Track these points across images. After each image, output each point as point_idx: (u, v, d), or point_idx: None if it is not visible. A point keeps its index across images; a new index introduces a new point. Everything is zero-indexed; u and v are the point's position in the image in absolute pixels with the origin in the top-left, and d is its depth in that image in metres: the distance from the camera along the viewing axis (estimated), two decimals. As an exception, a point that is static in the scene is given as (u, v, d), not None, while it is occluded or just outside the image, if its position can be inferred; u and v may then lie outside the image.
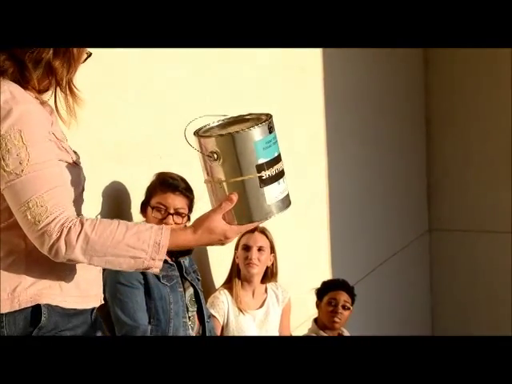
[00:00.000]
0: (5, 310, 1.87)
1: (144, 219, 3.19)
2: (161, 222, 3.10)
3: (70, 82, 1.94)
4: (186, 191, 3.18)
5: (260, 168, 1.89)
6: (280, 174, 1.94)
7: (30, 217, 1.79)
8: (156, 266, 1.87)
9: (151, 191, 3.19)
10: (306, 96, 4.64)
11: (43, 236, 1.79)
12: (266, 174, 1.90)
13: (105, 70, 3.03)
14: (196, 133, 1.94)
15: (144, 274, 3.08)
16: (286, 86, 4.39)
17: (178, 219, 3.14)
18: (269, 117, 1.93)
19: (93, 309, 2.02)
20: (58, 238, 1.79)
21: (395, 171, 5.81)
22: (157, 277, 3.11)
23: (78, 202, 1.98)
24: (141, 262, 1.85)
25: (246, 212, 1.91)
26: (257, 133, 1.89)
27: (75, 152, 2.03)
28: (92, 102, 2.79)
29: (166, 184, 3.15)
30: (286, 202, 1.96)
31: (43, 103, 1.97)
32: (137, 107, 3.31)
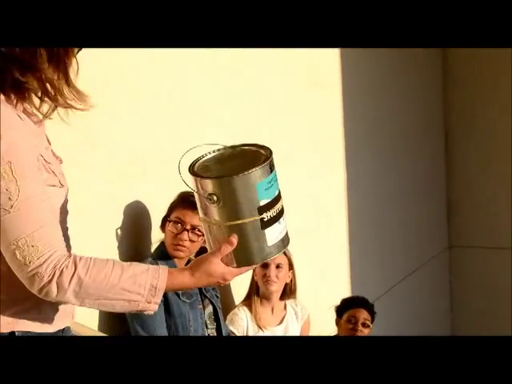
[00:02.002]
0: None
1: (163, 234, 3.21)
2: (176, 236, 3.14)
3: (64, 83, 1.76)
4: None
5: (262, 210, 1.80)
6: (280, 213, 1.85)
7: (19, 257, 1.69)
8: (151, 309, 1.80)
9: (172, 207, 3.23)
10: (323, 111, 4.64)
11: (34, 277, 1.70)
12: (267, 215, 1.81)
13: (116, 84, 3.06)
14: (192, 170, 1.83)
15: (164, 291, 3.08)
16: (301, 88, 4.39)
17: (194, 237, 3.16)
18: (269, 153, 1.82)
19: (63, 328, 1.91)
20: (50, 281, 1.70)
21: (415, 187, 5.79)
22: (177, 294, 3.12)
23: (66, 225, 1.87)
24: (136, 304, 1.78)
25: (246, 255, 1.84)
26: (259, 174, 1.78)
27: (60, 160, 1.90)
28: (103, 117, 2.83)
29: (188, 201, 3.17)
30: (285, 241, 1.88)
31: (29, 115, 1.81)
32: (149, 120, 3.33)
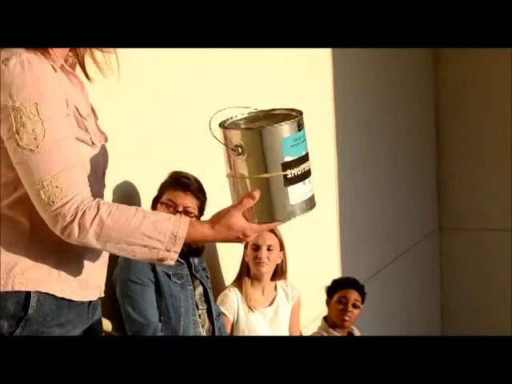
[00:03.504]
0: None
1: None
2: None
3: None
4: (198, 192, 3.19)
5: (286, 166, 1.80)
6: (306, 174, 1.85)
7: (43, 196, 1.71)
8: (171, 258, 1.79)
9: (163, 188, 3.21)
10: (315, 93, 4.64)
11: (57, 217, 1.72)
12: (291, 172, 1.81)
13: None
14: (222, 124, 1.85)
15: (154, 271, 3.08)
16: (294, 84, 4.39)
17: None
18: (299, 113, 1.85)
19: (90, 302, 1.93)
20: (72, 221, 1.71)
21: (404, 169, 5.79)
22: (167, 275, 3.12)
23: (97, 184, 1.88)
24: (155, 252, 1.77)
25: (268, 211, 1.83)
26: (286, 129, 1.80)
27: (102, 132, 1.95)
28: (101, 100, 2.82)
29: (178, 182, 3.16)
30: (310, 204, 1.88)
31: (70, 74, 1.87)
32: (147, 104, 3.32)
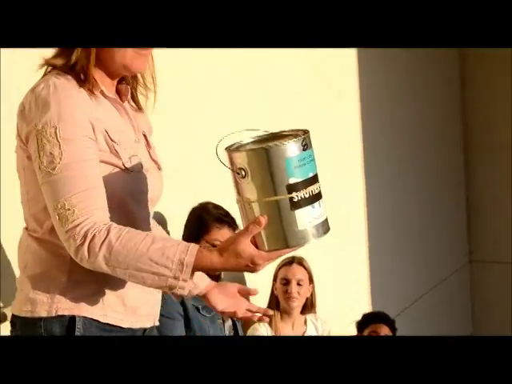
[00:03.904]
0: (42, 314, 1.81)
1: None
2: None
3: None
4: (235, 223, 3.17)
5: (291, 188, 1.71)
6: (315, 197, 1.75)
7: (58, 219, 1.73)
8: (180, 287, 1.72)
9: (206, 226, 3.15)
10: (341, 114, 4.62)
11: (69, 240, 1.72)
12: (297, 195, 1.71)
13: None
14: (227, 148, 1.79)
15: (184, 305, 3.06)
16: (320, 101, 4.37)
17: None
18: (304, 132, 1.76)
19: (144, 329, 1.90)
20: (82, 244, 1.71)
21: (434, 202, 5.74)
22: (196, 308, 3.09)
23: (138, 210, 1.88)
24: (164, 279, 1.71)
25: (277, 237, 1.73)
26: (289, 149, 1.70)
27: (154, 160, 1.97)
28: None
29: (221, 220, 3.13)
30: (322, 229, 1.77)
31: (113, 100, 1.90)
32: (168, 130, 3.32)
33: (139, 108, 2.00)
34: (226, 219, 3.15)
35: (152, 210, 2.00)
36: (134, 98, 1.99)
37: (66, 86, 1.78)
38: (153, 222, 2.08)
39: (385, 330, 3.82)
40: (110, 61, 1.85)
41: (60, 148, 1.73)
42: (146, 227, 1.92)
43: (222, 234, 3.12)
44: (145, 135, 2.00)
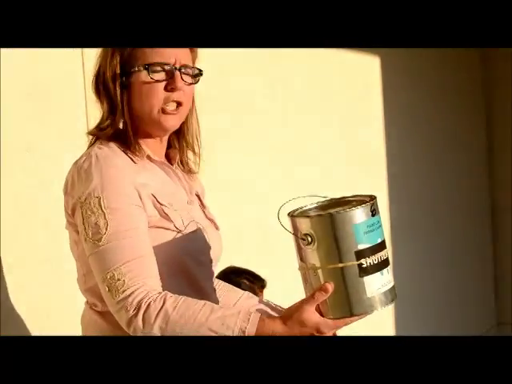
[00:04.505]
0: None
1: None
2: None
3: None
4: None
5: (360, 255, 1.68)
6: (384, 263, 1.71)
7: (108, 290, 1.69)
8: None
9: None
10: (367, 129, 4.62)
11: (121, 311, 1.68)
12: (366, 261, 1.68)
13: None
14: (290, 214, 1.76)
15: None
16: (345, 100, 4.39)
17: None
18: (372, 198, 1.73)
19: None
20: (136, 315, 1.67)
21: (461, 261, 5.68)
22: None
23: (198, 270, 1.86)
24: None
25: (343, 304, 1.69)
26: (358, 215, 1.68)
27: (210, 219, 1.95)
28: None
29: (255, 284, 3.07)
30: (390, 296, 1.73)
31: (162, 164, 1.90)
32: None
33: (190, 170, 2.00)
34: (262, 285, 3.09)
35: (214, 269, 1.97)
36: (183, 161, 1.99)
37: (108, 155, 1.78)
38: (217, 281, 2.05)
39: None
40: (145, 123, 1.86)
41: (105, 218, 1.71)
42: (209, 287, 1.90)
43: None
44: (198, 195, 1.99)
